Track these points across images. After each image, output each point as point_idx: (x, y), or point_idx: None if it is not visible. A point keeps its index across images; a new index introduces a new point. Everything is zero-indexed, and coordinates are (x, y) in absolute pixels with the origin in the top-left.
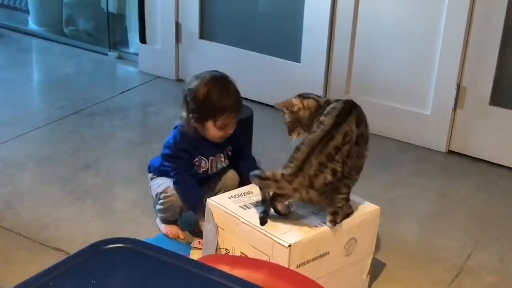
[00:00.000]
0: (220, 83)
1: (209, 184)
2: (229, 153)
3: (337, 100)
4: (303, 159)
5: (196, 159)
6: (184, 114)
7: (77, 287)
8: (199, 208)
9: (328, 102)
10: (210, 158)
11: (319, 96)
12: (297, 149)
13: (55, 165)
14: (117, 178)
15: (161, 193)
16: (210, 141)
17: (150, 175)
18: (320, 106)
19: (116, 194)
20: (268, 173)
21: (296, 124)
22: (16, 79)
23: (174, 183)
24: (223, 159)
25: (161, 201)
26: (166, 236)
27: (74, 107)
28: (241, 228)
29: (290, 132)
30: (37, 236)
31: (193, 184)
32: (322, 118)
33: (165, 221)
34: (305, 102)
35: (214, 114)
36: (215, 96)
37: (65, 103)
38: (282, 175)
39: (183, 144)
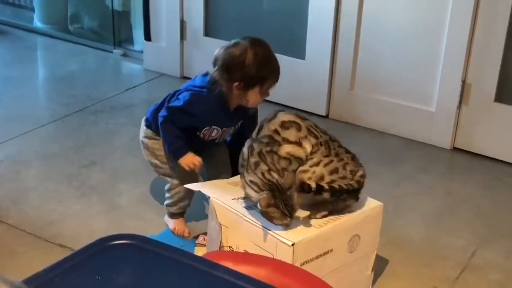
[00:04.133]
0: (265, 49)
1: (202, 154)
2: (239, 126)
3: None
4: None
5: (206, 128)
6: (223, 82)
7: (82, 283)
8: (177, 154)
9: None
10: (224, 128)
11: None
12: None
13: (60, 162)
14: (122, 175)
15: (168, 189)
16: (230, 112)
17: (146, 130)
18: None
19: (121, 191)
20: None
21: None
22: (22, 77)
23: (160, 124)
24: (231, 131)
25: (168, 194)
26: (173, 232)
27: (79, 104)
28: (245, 226)
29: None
30: (42, 232)
31: (177, 135)
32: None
33: (172, 215)
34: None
35: (262, 80)
36: (265, 62)
37: (70, 100)
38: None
39: (198, 110)
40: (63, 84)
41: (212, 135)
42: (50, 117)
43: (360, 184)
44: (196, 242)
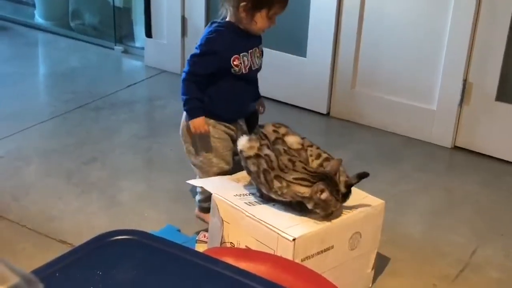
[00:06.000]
0: None
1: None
2: (262, 50)
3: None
4: None
5: (236, 57)
6: (230, 2)
7: (82, 278)
8: (189, 113)
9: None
10: (250, 51)
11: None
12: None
13: (60, 158)
14: (123, 172)
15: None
16: (246, 35)
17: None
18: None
19: (122, 187)
20: None
21: None
22: (22, 73)
23: (182, 80)
24: (259, 54)
25: (200, 189)
26: None
27: (80, 100)
28: (246, 222)
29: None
30: (43, 228)
31: (196, 96)
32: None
33: (207, 210)
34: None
35: (269, 3)
36: None
37: (71, 96)
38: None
39: (217, 44)
40: (64, 81)
41: (246, 64)
42: (50, 113)
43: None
44: (197, 238)
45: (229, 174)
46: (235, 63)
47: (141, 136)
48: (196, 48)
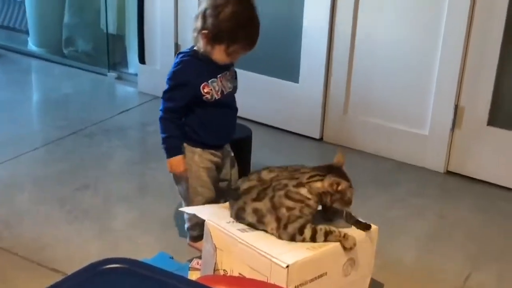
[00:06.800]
0: (247, 11)
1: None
2: (235, 72)
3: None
4: None
5: (205, 84)
6: (196, 27)
7: None
8: (167, 152)
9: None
10: (219, 76)
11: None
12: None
13: (53, 185)
14: (116, 198)
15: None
16: (212, 62)
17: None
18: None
19: (115, 214)
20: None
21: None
22: (15, 100)
23: (160, 119)
24: (230, 77)
25: (186, 216)
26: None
27: (73, 127)
28: (239, 248)
29: None
30: (35, 256)
31: (174, 134)
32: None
33: (196, 238)
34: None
35: (231, 40)
36: (240, 23)
37: (64, 123)
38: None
39: (185, 75)
40: (57, 107)
41: (216, 89)
42: (43, 140)
43: None
44: (190, 266)
45: (213, 202)
46: (205, 90)
47: (134, 162)
48: (166, 83)
